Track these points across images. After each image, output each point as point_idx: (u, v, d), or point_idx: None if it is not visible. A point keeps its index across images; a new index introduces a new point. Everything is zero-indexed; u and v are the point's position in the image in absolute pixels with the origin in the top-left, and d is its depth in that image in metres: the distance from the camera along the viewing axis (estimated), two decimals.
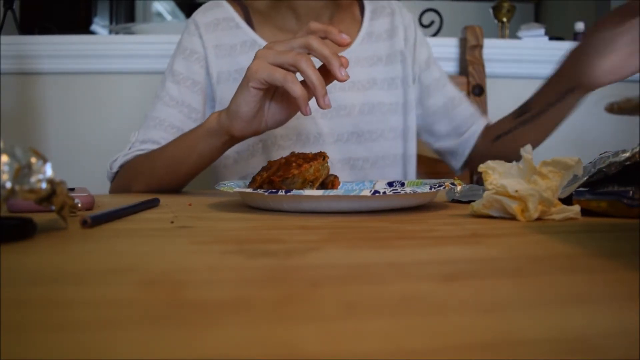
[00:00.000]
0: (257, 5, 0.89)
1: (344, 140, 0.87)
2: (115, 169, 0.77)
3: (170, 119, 0.80)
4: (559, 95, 0.70)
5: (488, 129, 0.90)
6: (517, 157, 0.42)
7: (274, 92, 0.61)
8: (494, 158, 0.45)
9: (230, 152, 0.85)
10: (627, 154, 0.43)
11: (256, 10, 0.88)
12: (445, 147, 0.95)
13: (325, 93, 0.55)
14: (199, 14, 0.87)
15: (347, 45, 0.57)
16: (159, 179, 0.72)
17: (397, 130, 0.90)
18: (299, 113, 0.83)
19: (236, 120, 0.60)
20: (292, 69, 0.55)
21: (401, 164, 0.92)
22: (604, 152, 0.46)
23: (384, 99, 0.89)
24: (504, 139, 0.82)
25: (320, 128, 0.85)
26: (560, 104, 0.71)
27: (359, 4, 0.94)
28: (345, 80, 0.55)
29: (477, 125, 0.91)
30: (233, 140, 0.65)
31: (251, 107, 0.59)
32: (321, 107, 0.55)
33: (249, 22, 0.87)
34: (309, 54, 0.56)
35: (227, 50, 0.85)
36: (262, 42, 0.85)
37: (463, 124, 0.92)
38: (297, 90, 0.54)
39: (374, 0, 0.95)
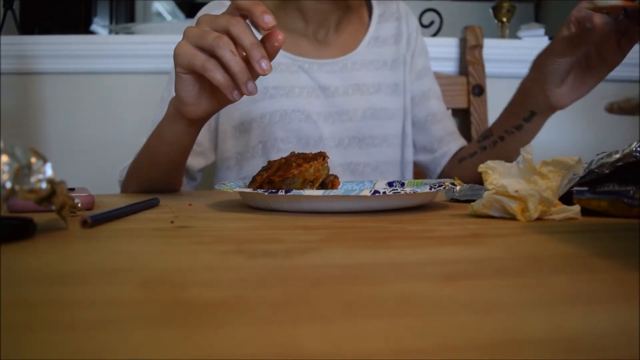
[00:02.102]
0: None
1: (345, 144, 0.86)
2: (121, 178, 0.77)
3: None
4: (519, 122, 0.73)
5: (458, 151, 0.90)
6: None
7: None
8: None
9: (232, 153, 0.85)
10: (618, 155, 0.44)
11: None
12: (420, 161, 0.95)
13: (249, 78, 0.50)
14: (204, 13, 0.85)
15: (271, 28, 0.50)
16: (146, 177, 0.70)
17: (398, 137, 0.90)
18: (300, 117, 0.83)
19: (182, 105, 0.57)
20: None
21: (399, 170, 0.91)
22: (601, 153, 0.46)
23: (388, 104, 0.89)
24: (466, 163, 0.83)
25: (322, 132, 0.84)
26: (521, 131, 0.73)
27: (367, 7, 0.94)
28: (265, 74, 0.49)
29: (451, 146, 0.91)
30: (194, 123, 0.61)
31: (189, 91, 0.55)
32: (244, 94, 0.52)
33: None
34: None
35: None
36: None
37: (437, 142, 0.92)
38: (218, 79, 0.51)
39: (383, 1, 0.94)
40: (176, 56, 0.53)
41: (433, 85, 0.95)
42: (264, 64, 0.49)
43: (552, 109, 0.69)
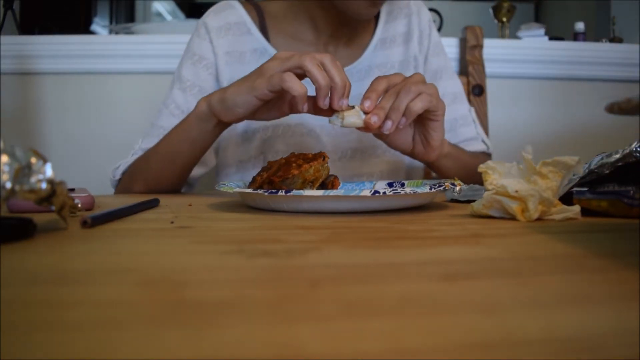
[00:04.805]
0: (273, 8, 0.85)
1: (348, 157, 0.85)
2: (118, 177, 0.76)
3: None
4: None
5: None
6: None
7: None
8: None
9: (232, 161, 0.85)
10: (618, 155, 0.44)
11: (271, 14, 0.85)
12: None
13: (327, 94, 0.55)
14: (209, 16, 0.83)
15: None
16: (156, 176, 0.71)
17: None
18: (302, 130, 0.82)
19: (229, 112, 0.62)
20: (299, 71, 0.55)
21: (405, 176, 0.89)
22: (601, 153, 0.46)
23: None
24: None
25: (324, 145, 0.83)
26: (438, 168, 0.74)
27: None
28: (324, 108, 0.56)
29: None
30: (222, 124, 0.66)
31: (249, 111, 0.60)
32: (320, 106, 0.56)
33: (263, 27, 0.84)
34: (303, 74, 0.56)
35: (237, 57, 0.82)
36: (273, 51, 0.82)
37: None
38: (296, 89, 0.55)
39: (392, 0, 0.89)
40: (259, 83, 0.57)
41: (453, 87, 0.89)
42: (327, 101, 0.56)
43: (429, 162, 0.69)
